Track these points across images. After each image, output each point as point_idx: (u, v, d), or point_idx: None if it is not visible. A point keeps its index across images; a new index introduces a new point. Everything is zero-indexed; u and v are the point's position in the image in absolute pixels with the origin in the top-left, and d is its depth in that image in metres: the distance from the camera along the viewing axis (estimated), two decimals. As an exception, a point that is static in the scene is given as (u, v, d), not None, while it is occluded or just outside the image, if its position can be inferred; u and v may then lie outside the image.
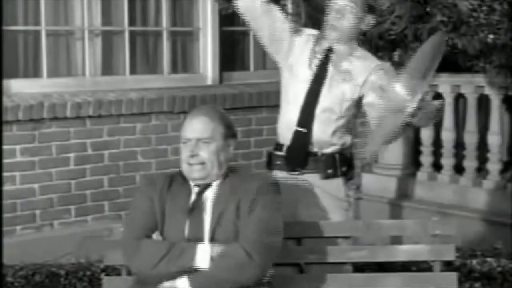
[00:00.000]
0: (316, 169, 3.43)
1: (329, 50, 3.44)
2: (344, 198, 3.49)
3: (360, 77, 3.40)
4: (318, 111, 3.42)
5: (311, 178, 3.45)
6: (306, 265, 3.34)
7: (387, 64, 3.39)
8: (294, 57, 3.51)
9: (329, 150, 3.44)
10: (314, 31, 3.56)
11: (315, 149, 3.44)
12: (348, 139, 3.49)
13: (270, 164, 3.57)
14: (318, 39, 3.48)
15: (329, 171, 3.44)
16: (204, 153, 2.98)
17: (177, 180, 3.06)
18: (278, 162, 3.52)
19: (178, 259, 2.86)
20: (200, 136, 2.98)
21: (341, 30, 3.38)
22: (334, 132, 3.44)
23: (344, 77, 3.40)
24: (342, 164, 3.46)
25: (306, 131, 3.42)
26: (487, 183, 5.75)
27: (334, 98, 3.41)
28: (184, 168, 3.03)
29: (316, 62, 3.45)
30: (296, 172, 3.46)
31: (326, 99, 3.41)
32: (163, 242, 2.92)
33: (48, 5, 5.57)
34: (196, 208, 2.98)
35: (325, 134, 3.43)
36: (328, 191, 3.45)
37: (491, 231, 5.44)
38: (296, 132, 3.44)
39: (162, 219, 2.99)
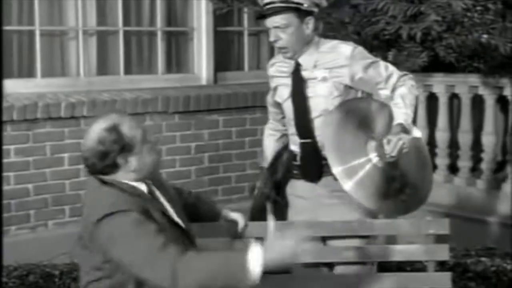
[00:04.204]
0: (328, 172, 3.33)
1: (297, 64, 3.41)
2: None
3: (338, 70, 3.34)
4: (313, 116, 3.39)
5: (327, 182, 3.38)
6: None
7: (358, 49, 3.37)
8: (274, 83, 3.54)
9: None
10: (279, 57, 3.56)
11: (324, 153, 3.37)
12: None
13: (289, 173, 3.53)
14: (283, 62, 3.48)
15: None
16: None
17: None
18: (295, 172, 3.49)
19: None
20: None
21: (288, 46, 3.35)
22: None
23: (322, 78, 3.36)
24: None
25: (310, 140, 3.40)
26: (481, 183, 5.75)
27: (323, 98, 3.36)
28: None
29: (289, 79, 3.44)
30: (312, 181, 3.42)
31: (316, 102, 3.38)
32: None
33: (42, 5, 5.56)
34: None
35: None
36: (346, 198, 3.29)
37: (485, 231, 5.45)
38: (302, 144, 3.43)
39: None
